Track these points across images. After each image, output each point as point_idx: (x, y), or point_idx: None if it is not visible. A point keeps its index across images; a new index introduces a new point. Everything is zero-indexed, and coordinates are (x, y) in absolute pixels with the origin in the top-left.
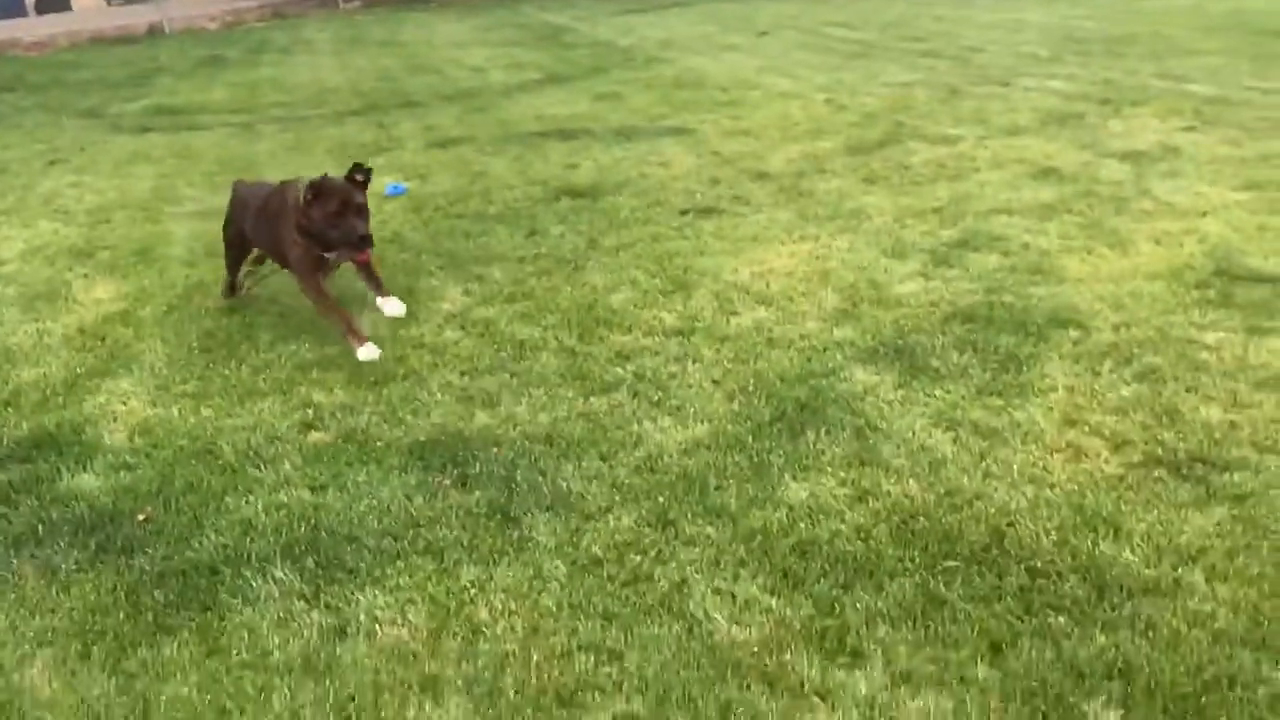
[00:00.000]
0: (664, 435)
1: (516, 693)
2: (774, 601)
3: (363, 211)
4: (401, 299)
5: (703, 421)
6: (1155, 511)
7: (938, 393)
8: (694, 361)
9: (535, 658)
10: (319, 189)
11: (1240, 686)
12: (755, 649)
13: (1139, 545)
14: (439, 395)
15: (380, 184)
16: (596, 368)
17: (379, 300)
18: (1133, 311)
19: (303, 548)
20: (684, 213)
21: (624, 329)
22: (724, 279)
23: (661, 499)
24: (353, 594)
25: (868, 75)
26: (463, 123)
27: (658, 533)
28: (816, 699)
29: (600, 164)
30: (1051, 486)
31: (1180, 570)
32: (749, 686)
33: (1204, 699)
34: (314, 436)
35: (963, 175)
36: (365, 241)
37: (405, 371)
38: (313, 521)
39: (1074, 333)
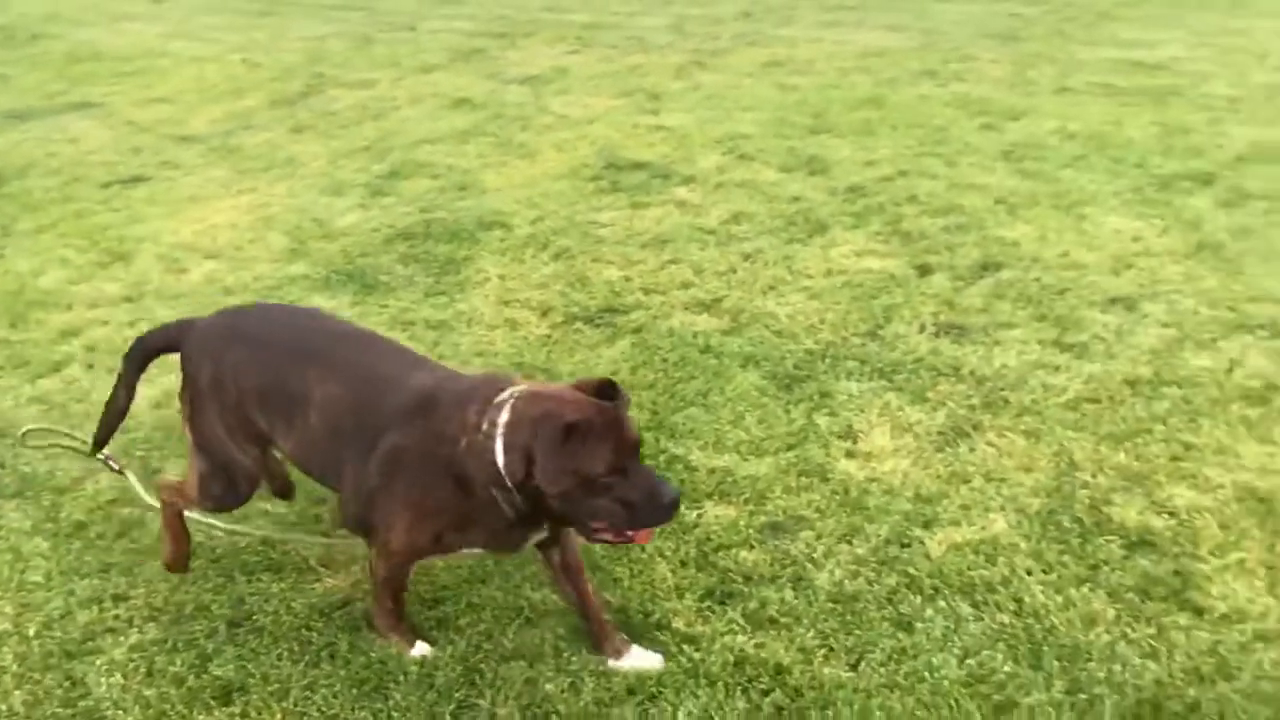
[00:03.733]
0: None
1: (19, 664)
2: (268, 505)
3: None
4: None
5: (172, 373)
6: (577, 354)
7: (390, 302)
8: (148, 322)
9: (32, 629)
10: (570, 426)
11: (646, 460)
12: (261, 545)
13: (567, 379)
14: None
15: None
16: (39, 351)
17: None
18: (544, 207)
19: None
20: (107, 185)
21: (63, 307)
22: (166, 241)
23: (140, 454)
24: None
25: (279, 32)
26: None
27: (145, 482)
28: (322, 569)
29: None
30: (495, 355)
31: None
32: (259, 578)
33: None
34: None
35: (385, 114)
36: (676, 506)
37: None
38: None
39: (499, 232)
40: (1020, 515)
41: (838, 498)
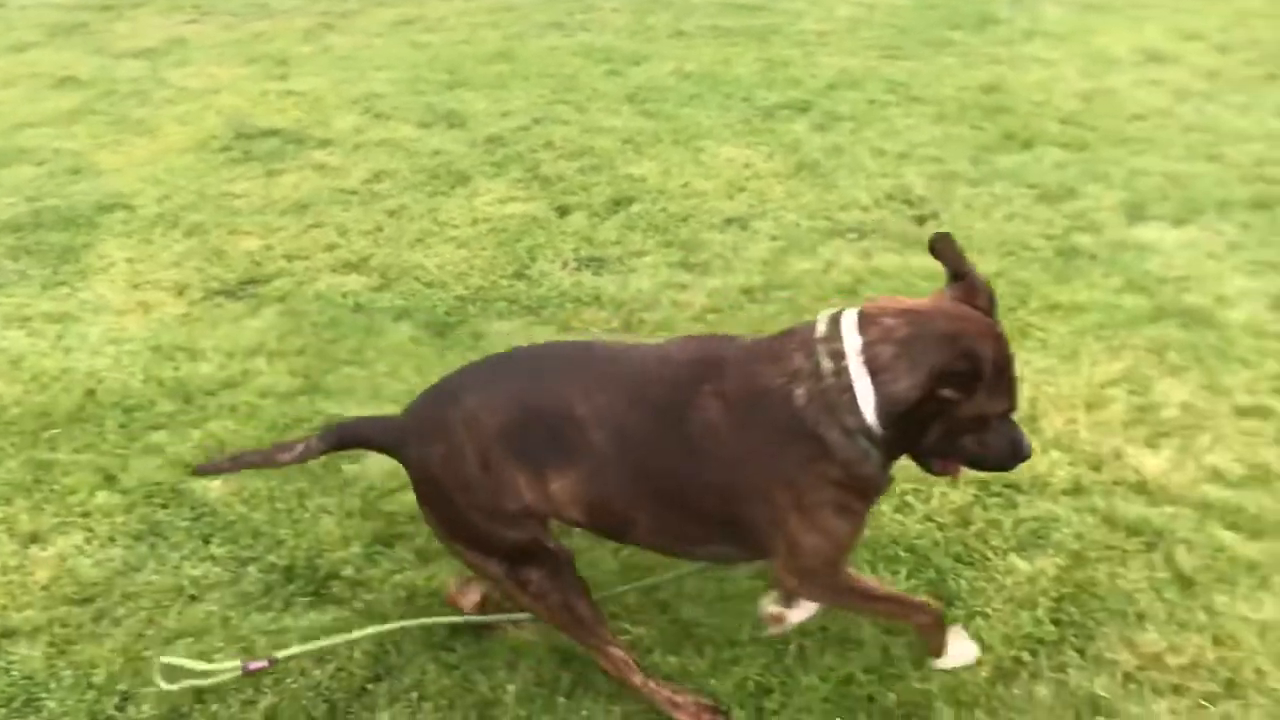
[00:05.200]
0: None
1: None
2: None
3: None
4: None
5: None
6: (220, 328)
7: (1, 300)
8: None
9: None
10: (971, 351)
11: (300, 424)
12: None
13: (212, 356)
14: None
15: None
16: None
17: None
18: (171, 183)
19: None
20: None
21: None
22: None
23: None
24: None
25: None
26: None
27: None
28: None
29: None
30: (129, 341)
31: (247, 362)
32: None
33: None
34: None
35: None
36: (1025, 461)
37: None
38: None
39: (122, 214)
40: None
41: None
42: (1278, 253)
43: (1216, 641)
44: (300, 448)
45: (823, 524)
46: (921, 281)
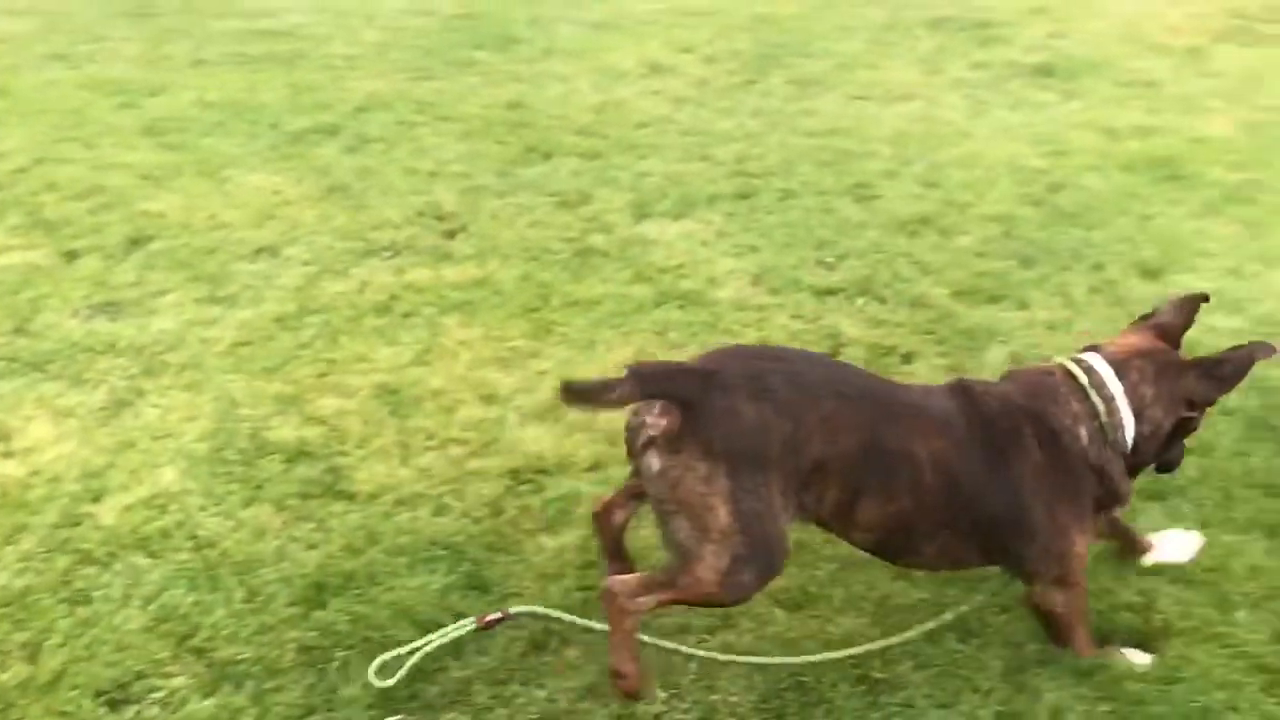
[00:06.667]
0: None
1: None
2: None
3: None
4: None
5: None
6: None
7: None
8: None
9: None
10: (1208, 375)
11: None
12: None
13: None
14: None
15: None
16: None
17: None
18: None
19: None
20: None
21: None
22: None
23: None
24: None
25: None
26: None
27: None
28: None
29: None
30: None
31: None
32: None
33: None
34: None
35: None
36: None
37: None
38: None
39: None
40: (189, 461)
41: None
42: (756, 236)
43: None
44: (617, 390)
45: (1088, 534)
46: (453, 292)
